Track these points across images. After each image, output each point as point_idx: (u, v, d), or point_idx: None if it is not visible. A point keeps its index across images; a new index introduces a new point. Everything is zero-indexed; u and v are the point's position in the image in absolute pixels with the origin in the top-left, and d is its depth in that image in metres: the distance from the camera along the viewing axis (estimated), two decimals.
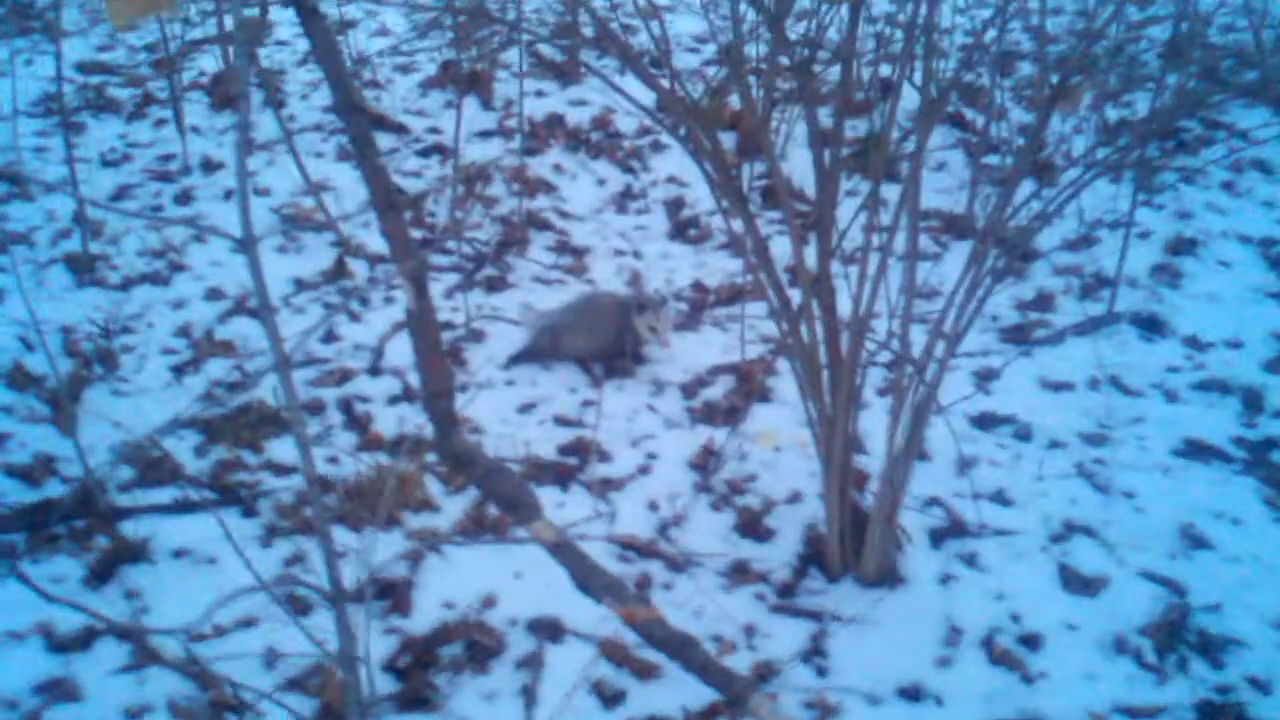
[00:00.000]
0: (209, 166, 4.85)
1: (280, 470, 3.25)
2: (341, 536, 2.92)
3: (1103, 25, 3.65)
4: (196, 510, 3.05)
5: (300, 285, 4.12)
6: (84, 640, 2.65)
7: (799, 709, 2.53)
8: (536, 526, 2.27)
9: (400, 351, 3.77)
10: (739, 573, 2.94)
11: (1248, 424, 3.40)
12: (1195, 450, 3.31)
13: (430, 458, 3.25)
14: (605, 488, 3.22)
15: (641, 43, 5.35)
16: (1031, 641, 2.72)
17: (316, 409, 3.51)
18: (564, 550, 2.29)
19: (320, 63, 2.10)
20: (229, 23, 5.21)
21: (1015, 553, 2.98)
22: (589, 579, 2.28)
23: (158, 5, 2.19)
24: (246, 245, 1.45)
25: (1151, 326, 3.84)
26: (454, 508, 3.12)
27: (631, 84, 2.88)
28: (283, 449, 3.33)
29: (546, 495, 3.05)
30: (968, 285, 2.61)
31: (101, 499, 3.03)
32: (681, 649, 2.28)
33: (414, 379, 3.61)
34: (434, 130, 5.15)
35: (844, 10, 3.79)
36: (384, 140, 5.00)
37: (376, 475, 3.11)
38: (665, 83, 2.67)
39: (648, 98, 2.80)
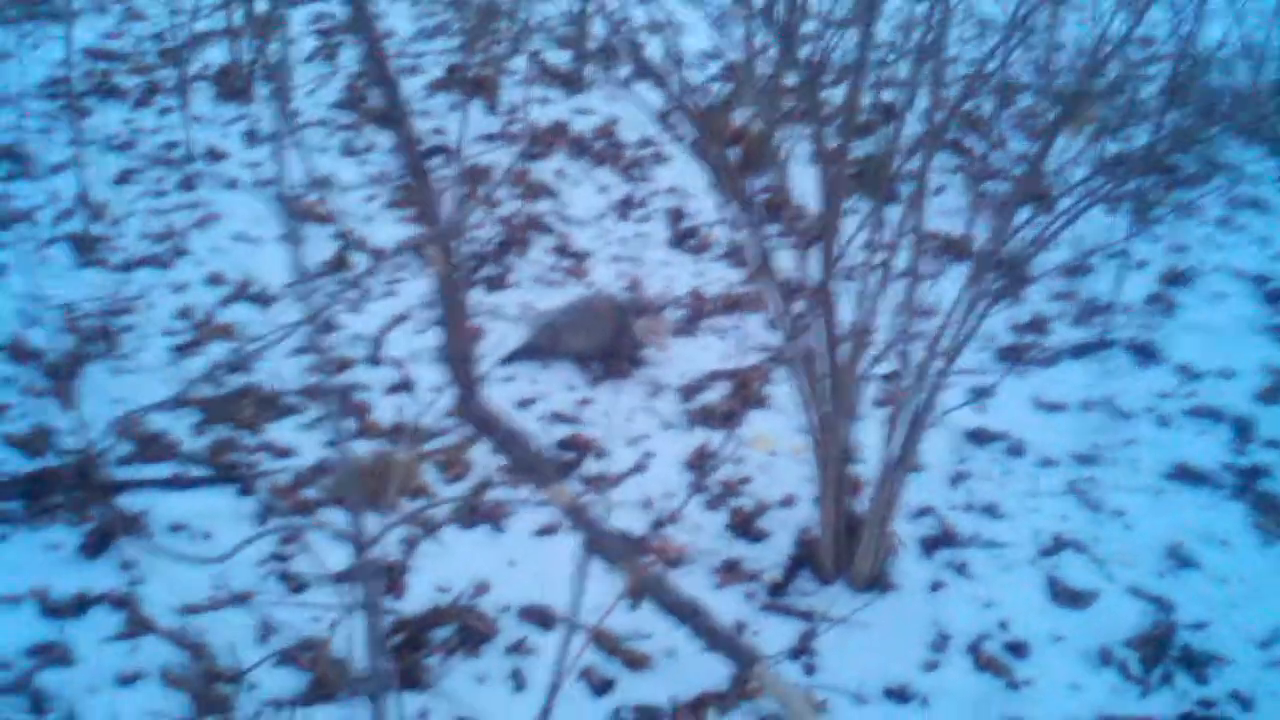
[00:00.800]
0: (213, 155, 4.86)
1: (278, 452, 3.26)
2: (340, 520, 2.94)
3: (1104, 60, 3.70)
4: (194, 486, 3.06)
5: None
6: (78, 607, 2.66)
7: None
8: (554, 490, 2.31)
9: (399, 343, 3.79)
10: (730, 571, 2.96)
11: (1238, 451, 3.43)
12: (1185, 474, 3.34)
13: (428, 446, 3.27)
14: (601, 483, 3.24)
15: (650, 54, 5.39)
16: (1018, 649, 2.75)
17: (314, 396, 3.52)
18: (578, 514, 2.32)
19: (357, 33, 2.13)
20: (239, 18, 5.26)
21: (1005, 564, 3.00)
22: (602, 544, 2.32)
23: None
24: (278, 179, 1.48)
25: (1145, 353, 3.88)
26: (450, 495, 3.14)
27: (638, 95, 2.90)
28: (281, 432, 3.34)
29: None
30: (965, 304, 2.64)
31: (99, 471, 3.04)
32: (690, 614, 2.31)
33: (413, 370, 3.64)
34: (438, 131, 5.18)
35: (849, 35, 3.84)
36: (390, 139, 5.02)
37: (381, 460, 3.12)
38: (674, 89, 2.71)
39: (654, 108, 2.82)
